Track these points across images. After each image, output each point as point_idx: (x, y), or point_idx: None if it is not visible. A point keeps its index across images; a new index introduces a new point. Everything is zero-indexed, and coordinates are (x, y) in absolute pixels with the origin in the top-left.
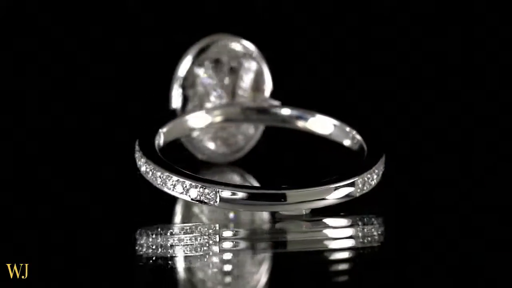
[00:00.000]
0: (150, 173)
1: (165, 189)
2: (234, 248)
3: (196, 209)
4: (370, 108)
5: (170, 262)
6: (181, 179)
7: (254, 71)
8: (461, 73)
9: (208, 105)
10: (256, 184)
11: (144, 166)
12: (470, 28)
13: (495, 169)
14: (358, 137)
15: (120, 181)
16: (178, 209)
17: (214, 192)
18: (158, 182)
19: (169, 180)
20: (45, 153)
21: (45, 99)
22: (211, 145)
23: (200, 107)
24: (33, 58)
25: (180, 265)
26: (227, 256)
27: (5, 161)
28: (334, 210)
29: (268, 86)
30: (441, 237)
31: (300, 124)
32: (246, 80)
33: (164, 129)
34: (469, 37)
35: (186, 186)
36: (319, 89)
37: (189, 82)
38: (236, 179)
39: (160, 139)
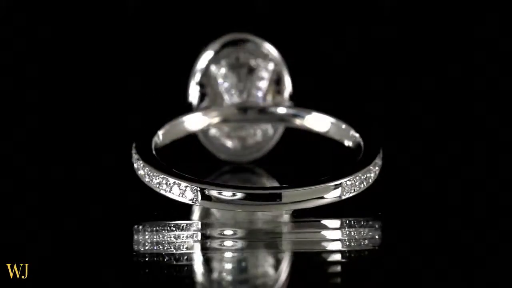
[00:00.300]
0: (141, 170)
1: (153, 187)
2: (220, 247)
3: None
4: (370, 106)
5: (162, 258)
6: (165, 177)
7: (272, 72)
8: (460, 72)
9: (225, 104)
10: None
11: (136, 163)
12: (470, 27)
13: (495, 170)
14: (356, 134)
15: (119, 181)
16: (196, 208)
17: (195, 191)
18: (147, 180)
19: (155, 177)
20: (44, 153)
21: (44, 99)
22: (228, 144)
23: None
24: (33, 58)
25: (170, 262)
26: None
27: (4, 161)
28: (327, 211)
29: (287, 88)
30: (439, 240)
31: (298, 122)
32: (263, 80)
33: (162, 131)
34: (469, 37)
35: (170, 184)
36: (321, 88)
37: (206, 79)
38: (255, 179)
39: (159, 140)
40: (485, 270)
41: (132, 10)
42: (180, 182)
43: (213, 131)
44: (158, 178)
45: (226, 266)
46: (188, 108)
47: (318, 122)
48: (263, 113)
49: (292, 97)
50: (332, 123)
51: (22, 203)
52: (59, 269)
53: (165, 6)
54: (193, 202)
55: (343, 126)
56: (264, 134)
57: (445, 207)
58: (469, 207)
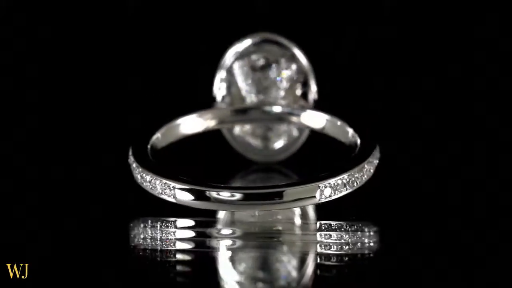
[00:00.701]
0: (131, 167)
1: (139, 183)
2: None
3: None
4: (370, 105)
5: (157, 254)
6: (149, 173)
7: (294, 75)
8: (460, 72)
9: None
10: None
11: (129, 157)
12: (470, 27)
13: (495, 170)
14: (351, 131)
15: (118, 180)
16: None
17: (170, 187)
18: (134, 174)
19: (142, 174)
20: (44, 153)
21: (45, 99)
22: (253, 143)
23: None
24: (33, 58)
25: (165, 258)
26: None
27: (4, 162)
28: (327, 212)
29: (312, 93)
30: (439, 240)
31: (295, 119)
32: (284, 81)
33: (158, 134)
34: (469, 37)
35: (151, 180)
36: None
37: (229, 76)
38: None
39: (157, 140)
40: (485, 270)
41: (132, 10)
42: (159, 179)
43: (237, 130)
44: (143, 175)
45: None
46: (211, 103)
47: (314, 119)
48: (259, 113)
49: (316, 102)
50: (327, 120)
51: (22, 203)
52: (59, 269)
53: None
54: (171, 199)
55: (338, 123)
56: (289, 135)
57: (445, 207)
58: (469, 207)
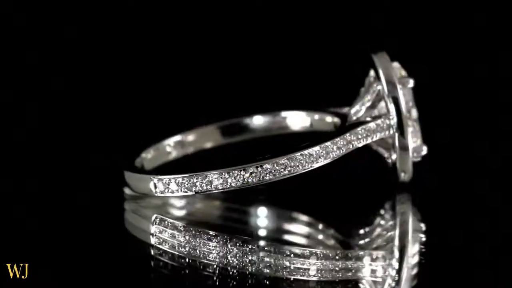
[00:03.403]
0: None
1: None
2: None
3: None
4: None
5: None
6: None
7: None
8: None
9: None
10: None
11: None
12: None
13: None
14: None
15: (118, 181)
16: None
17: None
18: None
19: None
20: (44, 154)
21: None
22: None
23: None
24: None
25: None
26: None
27: (4, 164)
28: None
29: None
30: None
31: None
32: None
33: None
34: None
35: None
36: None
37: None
38: None
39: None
40: (486, 271)
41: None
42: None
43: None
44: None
45: None
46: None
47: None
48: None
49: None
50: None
51: (22, 203)
52: (59, 269)
53: None
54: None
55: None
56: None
57: (441, 207)
58: (468, 208)
